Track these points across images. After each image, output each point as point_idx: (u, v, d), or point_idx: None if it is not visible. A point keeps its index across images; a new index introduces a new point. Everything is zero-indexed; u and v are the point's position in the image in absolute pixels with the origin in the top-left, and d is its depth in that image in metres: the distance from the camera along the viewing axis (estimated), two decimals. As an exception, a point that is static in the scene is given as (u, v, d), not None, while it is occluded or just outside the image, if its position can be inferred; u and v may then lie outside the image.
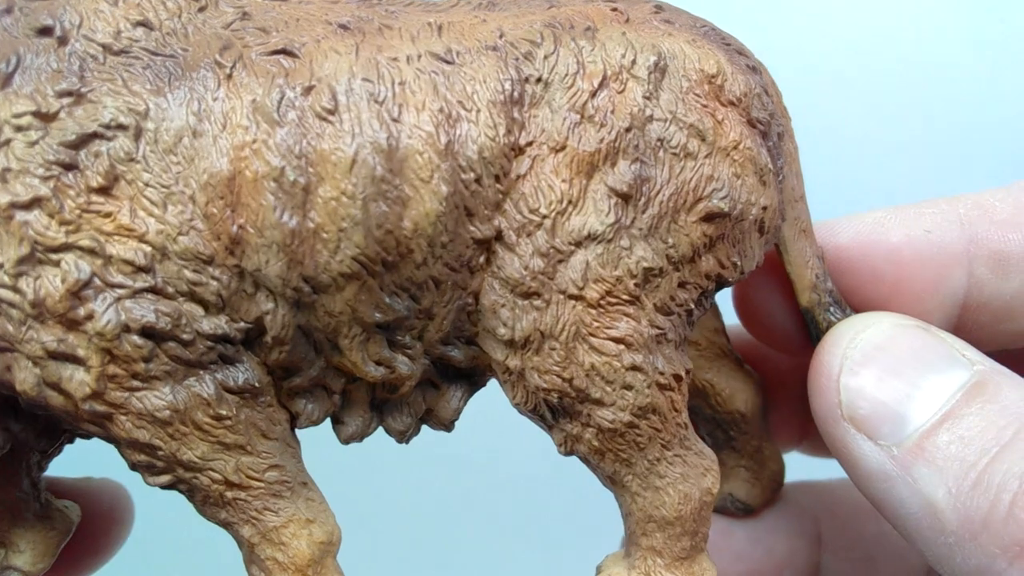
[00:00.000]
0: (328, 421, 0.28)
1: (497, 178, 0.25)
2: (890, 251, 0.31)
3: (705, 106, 0.26)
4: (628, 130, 0.25)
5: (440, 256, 0.25)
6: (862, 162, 0.51)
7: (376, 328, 0.26)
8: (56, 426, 0.28)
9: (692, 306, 0.27)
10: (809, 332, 0.32)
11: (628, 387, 0.26)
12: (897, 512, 0.27)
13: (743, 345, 0.37)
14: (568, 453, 0.27)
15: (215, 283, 0.24)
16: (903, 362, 0.27)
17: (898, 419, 0.26)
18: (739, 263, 0.27)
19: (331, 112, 0.24)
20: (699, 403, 0.35)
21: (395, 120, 0.24)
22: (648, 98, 0.25)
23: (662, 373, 0.26)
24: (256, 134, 0.24)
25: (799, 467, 0.37)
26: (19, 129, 0.23)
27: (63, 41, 0.24)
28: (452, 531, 0.51)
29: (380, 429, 0.29)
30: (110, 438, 0.25)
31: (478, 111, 0.25)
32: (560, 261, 0.25)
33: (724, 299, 0.36)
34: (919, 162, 0.51)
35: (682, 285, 0.26)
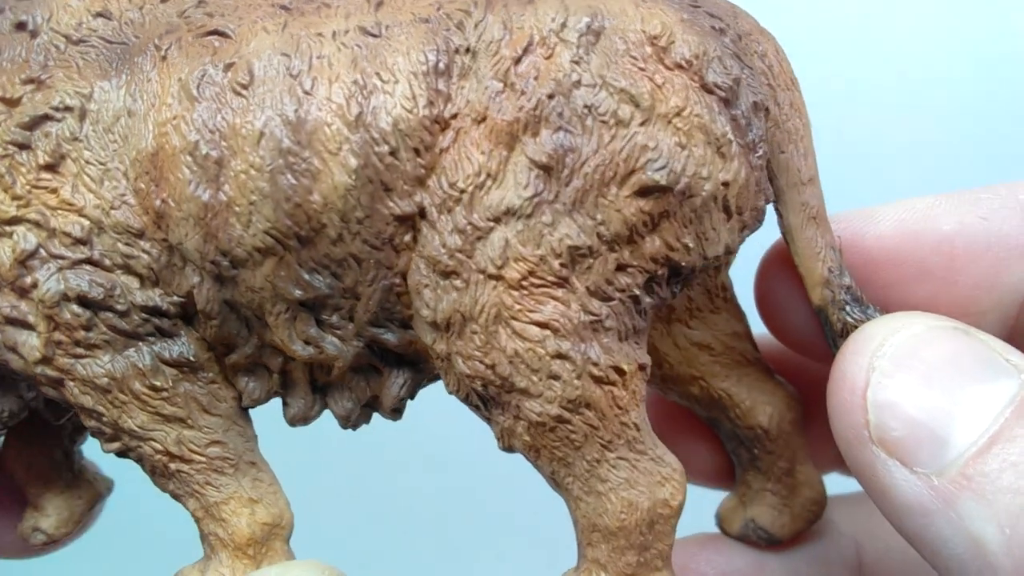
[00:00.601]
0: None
1: (417, 151, 0.24)
2: (940, 241, 0.27)
3: (642, 69, 0.23)
4: (551, 97, 0.23)
5: (357, 232, 0.24)
6: (868, 165, 0.46)
7: (301, 306, 0.25)
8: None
9: (637, 292, 0.24)
10: (824, 334, 0.28)
11: (555, 377, 0.24)
12: (939, 551, 0.23)
13: (777, 353, 0.33)
14: (507, 449, 0.26)
15: (146, 256, 0.25)
16: (942, 372, 0.23)
17: (938, 442, 0.23)
18: (694, 246, 0.24)
19: (245, 86, 0.24)
20: (717, 415, 0.32)
21: (307, 93, 0.24)
22: (576, 62, 0.23)
23: (595, 364, 0.24)
24: (177, 111, 0.24)
25: (833, 480, 0.33)
26: None
27: (34, 34, 0.26)
28: (437, 529, 0.50)
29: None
30: (66, 403, 0.27)
31: (396, 82, 0.24)
32: (479, 238, 0.24)
33: (749, 301, 0.32)
34: (927, 163, 0.46)
35: (622, 268, 0.24)
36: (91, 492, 0.35)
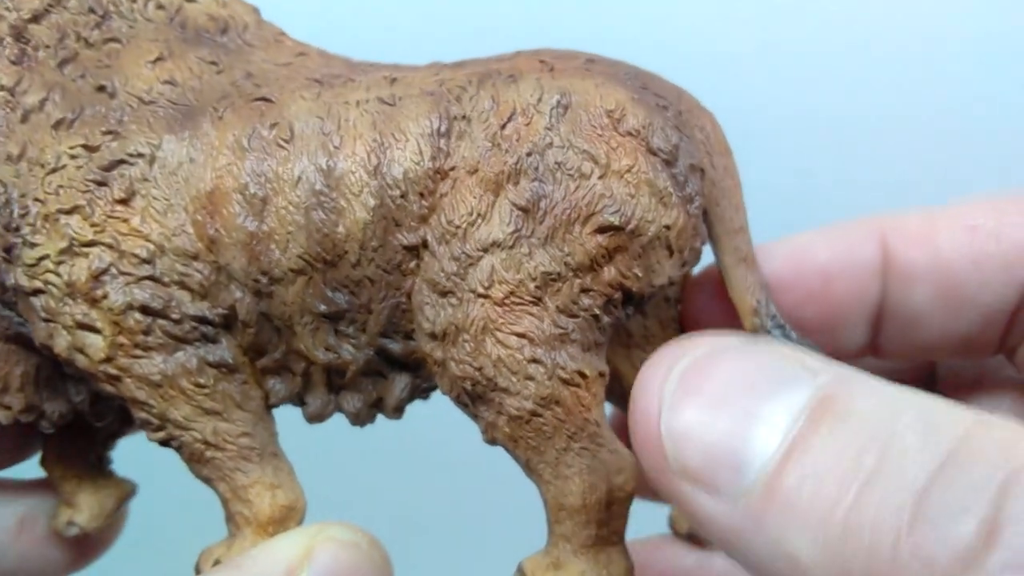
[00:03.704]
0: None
1: (422, 195, 0.30)
2: (819, 269, 0.33)
3: (600, 135, 0.30)
4: (529, 155, 0.30)
5: (372, 259, 0.30)
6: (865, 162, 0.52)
7: (323, 318, 0.31)
8: (105, 398, 0.35)
9: (598, 312, 0.30)
10: None
11: (530, 378, 0.29)
12: (762, 571, 0.22)
13: None
14: (491, 441, 0.31)
15: (198, 275, 0.31)
16: (729, 394, 0.24)
17: (735, 466, 0.22)
18: (642, 276, 0.30)
19: (287, 141, 0.30)
20: None
21: (336, 148, 0.30)
22: (549, 129, 0.30)
23: (563, 368, 0.30)
24: (231, 159, 0.30)
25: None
26: (72, 157, 0.31)
27: (112, 96, 0.32)
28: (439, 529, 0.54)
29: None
30: (121, 397, 0.32)
31: (407, 141, 0.30)
32: (470, 265, 0.30)
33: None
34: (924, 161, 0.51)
35: (585, 291, 0.30)
36: (119, 491, 0.39)
